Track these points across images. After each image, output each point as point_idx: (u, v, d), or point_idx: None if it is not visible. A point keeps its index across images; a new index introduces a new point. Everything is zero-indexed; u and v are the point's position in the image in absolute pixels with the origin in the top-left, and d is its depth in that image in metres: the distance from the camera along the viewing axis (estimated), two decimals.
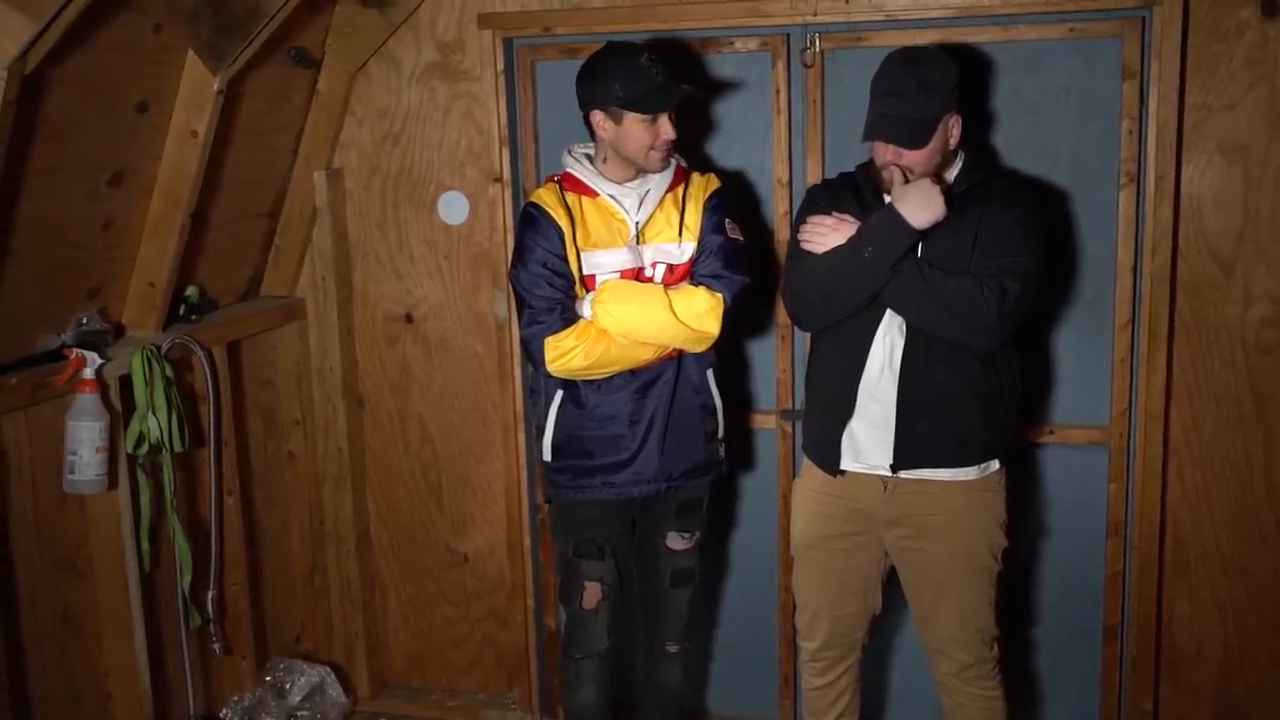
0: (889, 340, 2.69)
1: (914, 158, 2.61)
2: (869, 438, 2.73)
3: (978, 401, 2.68)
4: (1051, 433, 3.24)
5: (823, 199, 2.80)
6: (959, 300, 2.58)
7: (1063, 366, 3.23)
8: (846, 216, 2.68)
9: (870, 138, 2.64)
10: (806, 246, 2.70)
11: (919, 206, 2.56)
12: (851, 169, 2.87)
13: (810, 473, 2.88)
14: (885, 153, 2.63)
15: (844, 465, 2.77)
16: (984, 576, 2.78)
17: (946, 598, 2.78)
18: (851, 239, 2.63)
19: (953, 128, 2.64)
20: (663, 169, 2.85)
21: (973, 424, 2.69)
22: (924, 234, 2.60)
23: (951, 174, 2.71)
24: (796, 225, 2.79)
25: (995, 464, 2.77)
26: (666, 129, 2.77)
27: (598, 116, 2.79)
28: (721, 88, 3.32)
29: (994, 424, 2.72)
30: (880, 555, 2.85)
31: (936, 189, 2.57)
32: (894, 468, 2.71)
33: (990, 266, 2.59)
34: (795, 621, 3.02)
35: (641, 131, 2.76)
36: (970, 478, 2.73)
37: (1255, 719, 3.25)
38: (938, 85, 2.59)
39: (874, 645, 3.05)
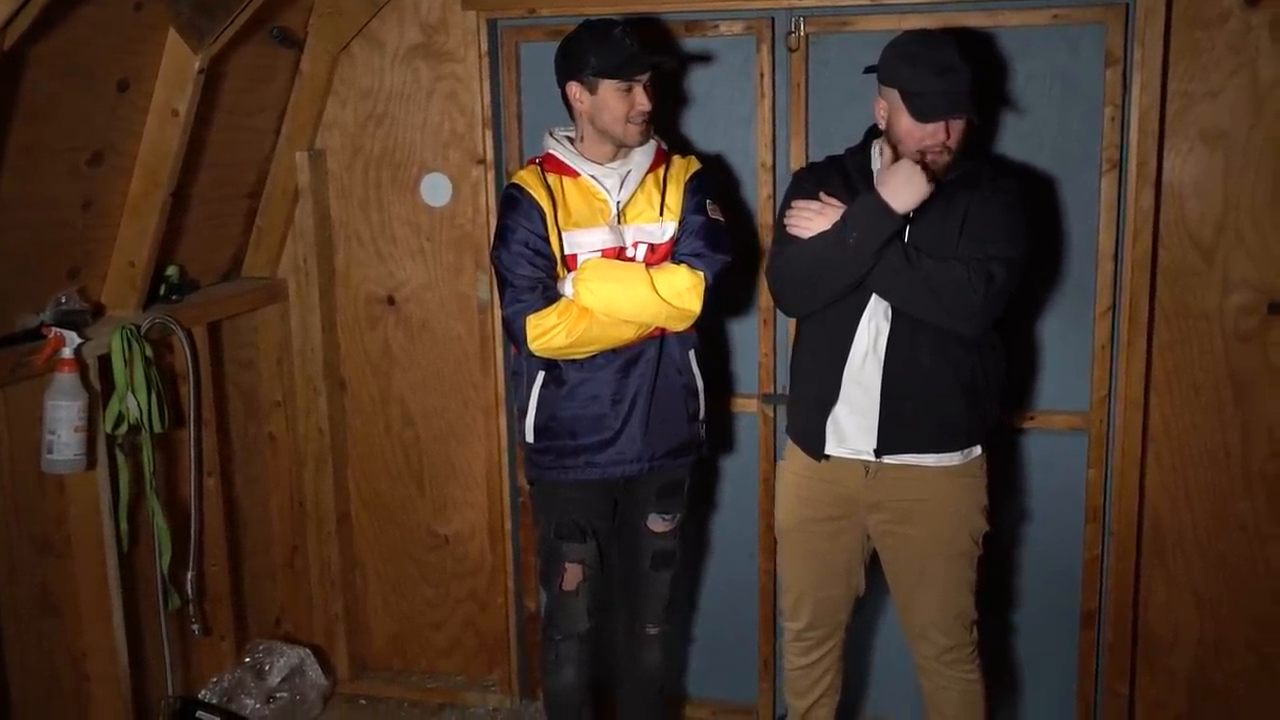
0: (874, 325, 2.69)
1: (959, 132, 2.59)
2: (853, 423, 2.74)
3: (961, 387, 2.69)
4: (1032, 418, 3.26)
5: (809, 183, 2.78)
6: (945, 285, 2.57)
7: (1044, 353, 3.24)
8: (833, 200, 2.67)
9: (945, 114, 2.56)
10: (792, 231, 2.69)
11: (902, 189, 2.54)
12: (839, 152, 2.85)
13: (794, 456, 2.88)
14: (940, 133, 2.58)
15: (828, 450, 2.78)
16: (964, 561, 2.80)
17: (927, 582, 2.79)
18: (836, 224, 2.61)
19: None
20: (640, 143, 2.85)
21: (956, 409, 2.70)
22: (911, 218, 2.60)
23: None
24: (782, 209, 2.78)
25: (978, 449, 2.78)
26: (641, 99, 2.78)
27: (574, 88, 2.80)
28: (705, 71, 3.31)
29: (977, 409, 2.73)
30: (863, 538, 2.86)
31: (918, 170, 2.55)
32: (878, 452, 2.72)
33: (978, 252, 2.59)
34: (780, 603, 3.03)
35: (617, 101, 2.77)
36: (953, 463, 2.74)
37: (1230, 705, 3.28)
38: (968, 61, 2.58)
39: (856, 627, 3.06)
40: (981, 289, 2.56)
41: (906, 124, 2.59)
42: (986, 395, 2.74)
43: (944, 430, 2.72)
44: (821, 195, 2.69)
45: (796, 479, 2.88)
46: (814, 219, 2.66)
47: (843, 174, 2.77)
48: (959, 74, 2.56)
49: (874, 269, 2.58)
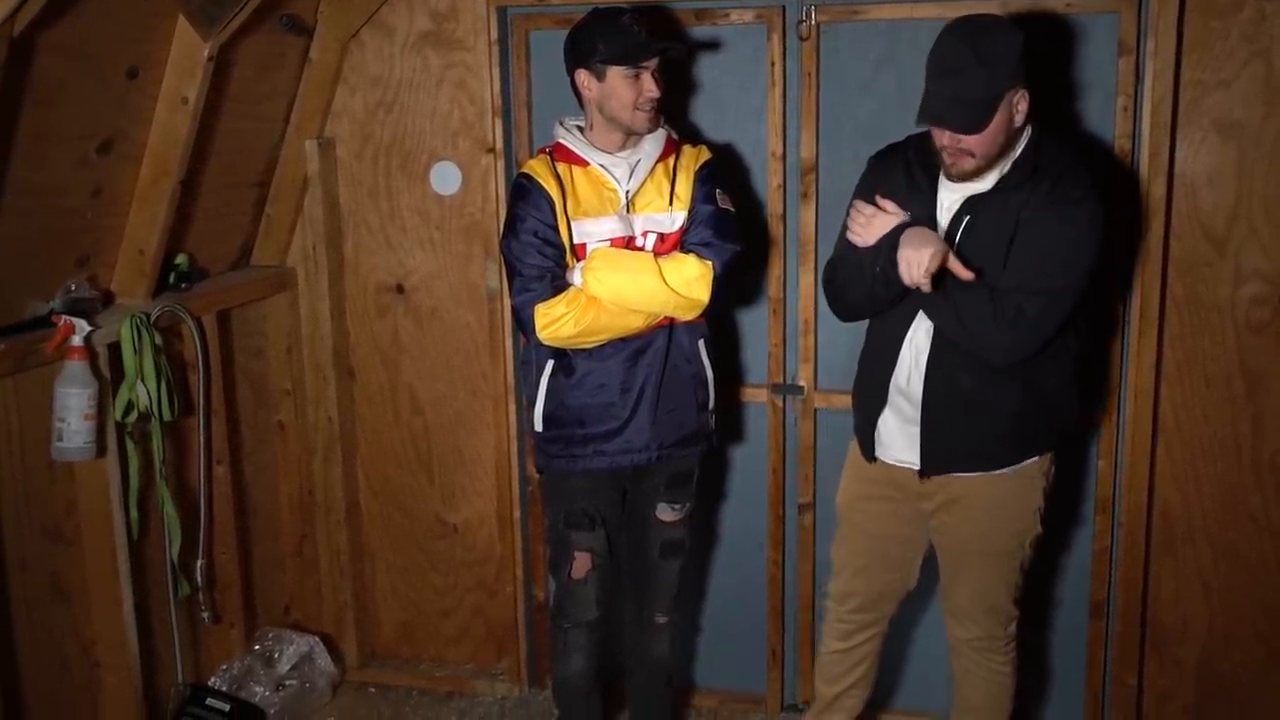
0: (916, 342, 2.63)
1: (973, 141, 2.42)
2: (899, 434, 2.72)
3: (1007, 410, 2.61)
4: None
5: (869, 178, 2.71)
6: (972, 318, 2.48)
7: None
8: (888, 204, 2.55)
9: (924, 122, 2.44)
10: (849, 238, 2.60)
11: (911, 260, 2.44)
12: (896, 139, 2.75)
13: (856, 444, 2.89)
14: (942, 136, 2.46)
15: (877, 453, 2.77)
16: (1004, 561, 2.75)
17: (964, 573, 2.78)
18: (872, 247, 2.51)
19: (1018, 103, 2.43)
20: (649, 130, 2.85)
21: (1001, 430, 2.63)
22: (958, 227, 2.52)
23: (1010, 159, 2.52)
24: (850, 205, 2.67)
25: (1034, 457, 2.70)
26: (649, 85, 2.77)
27: (582, 76, 2.80)
28: (715, 60, 3.30)
29: (1029, 429, 2.65)
30: (922, 530, 2.82)
31: (932, 245, 2.43)
32: (922, 473, 2.69)
33: (1016, 281, 2.46)
34: (829, 585, 3.00)
35: (625, 88, 2.76)
36: (1003, 470, 2.69)
37: (1239, 696, 3.27)
38: (999, 58, 2.37)
39: (898, 621, 3.05)
40: (1007, 325, 2.45)
41: None
42: (1041, 414, 2.66)
43: (986, 452, 2.65)
44: (877, 199, 2.58)
45: (856, 460, 2.87)
46: (867, 226, 2.56)
47: (905, 164, 2.65)
48: (959, 79, 2.38)
49: (909, 291, 2.50)
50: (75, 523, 2.97)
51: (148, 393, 3.00)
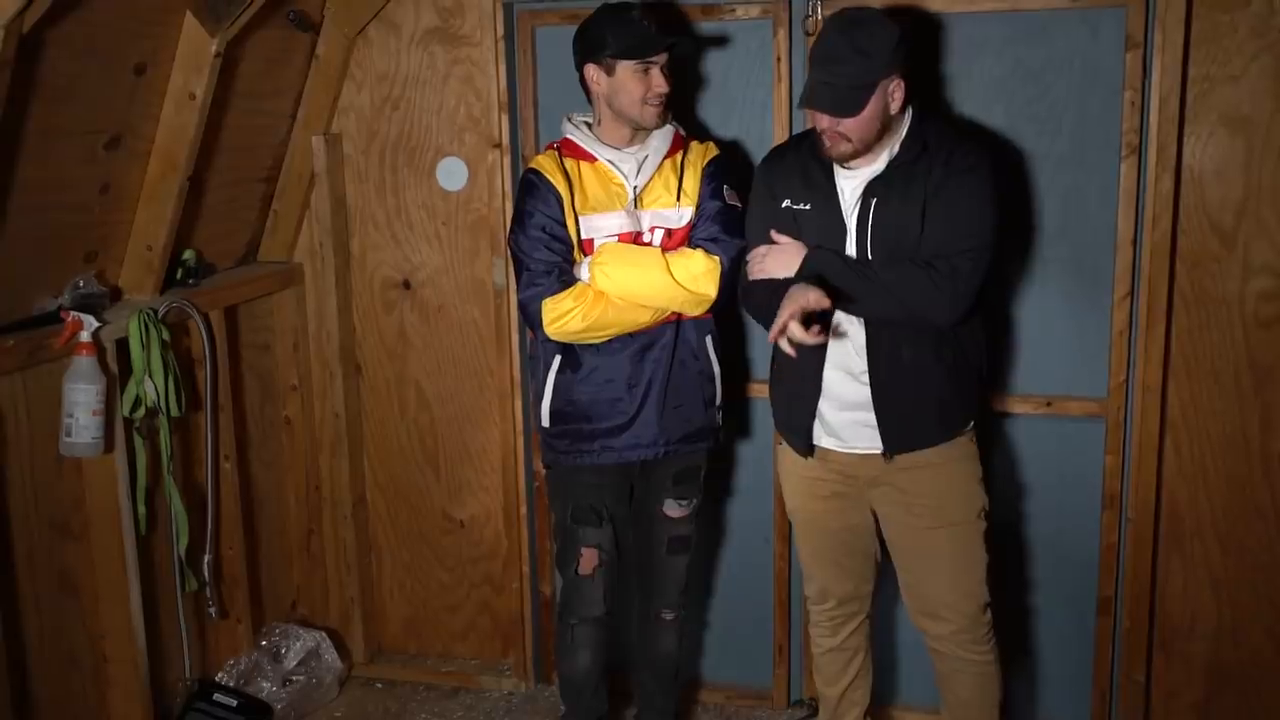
0: (844, 327, 2.68)
1: (850, 125, 2.54)
2: (849, 421, 2.72)
3: (946, 372, 2.68)
4: (1049, 404, 3.24)
5: (762, 184, 2.80)
6: (909, 292, 2.55)
7: (1060, 338, 3.22)
8: (783, 239, 2.67)
9: (804, 105, 2.57)
10: (752, 277, 2.73)
11: (778, 263, 2.61)
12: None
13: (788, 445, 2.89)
14: (821, 120, 2.57)
15: (821, 443, 2.78)
16: (969, 534, 2.77)
17: (933, 556, 2.78)
18: (766, 306, 2.62)
19: (894, 92, 2.56)
20: (658, 125, 2.85)
21: (946, 396, 2.69)
22: (868, 210, 2.60)
23: (897, 139, 2.64)
24: (748, 205, 2.85)
25: (970, 426, 2.78)
26: (658, 80, 2.78)
27: (591, 70, 2.80)
28: (721, 55, 3.30)
29: (965, 390, 2.73)
30: (870, 513, 2.86)
31: (787, 249, 2.62)
32: (886, 453, 2.71)
33: (941, 248, 2.56)
34: (805, 589, 3.03)
35: (634, 83, 2.77)
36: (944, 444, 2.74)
37: (1248, 693, 3.26)
38: (875, 50, 2.51)
39: (878, 616, 3.05)
40: (947, 289, 2.54)
41: None
42: (967, 373, 2.73)
43: (941, 419, 2.71)
44: (772, 232, 2.70)
45: (793, 463, 2.88)
46: (766, 262, 2.69)
47: (798, 161, 2.75)
48: (836, 67, 2.52)
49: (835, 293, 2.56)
50: (83, 518, 2.98)
51: (155, 388, 3.00)
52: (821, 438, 2.78)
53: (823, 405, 2.74)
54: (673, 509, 3.03)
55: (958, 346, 2.69)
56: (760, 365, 3.44)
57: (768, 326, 2.59)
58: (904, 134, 2.65)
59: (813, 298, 2.48)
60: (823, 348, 2.66)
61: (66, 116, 2.61)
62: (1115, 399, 3.18)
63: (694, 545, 3.11)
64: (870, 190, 2.63)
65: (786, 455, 2.90)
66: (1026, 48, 3.09)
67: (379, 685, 3.84)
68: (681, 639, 3.23)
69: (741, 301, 2.86)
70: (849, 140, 2.56)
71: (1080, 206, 3.13)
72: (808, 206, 2.69)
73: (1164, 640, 3.29)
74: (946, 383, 2.69)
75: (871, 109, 2.53)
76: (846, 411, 2.72)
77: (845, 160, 2.62)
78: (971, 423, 2.79)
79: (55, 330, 2.78)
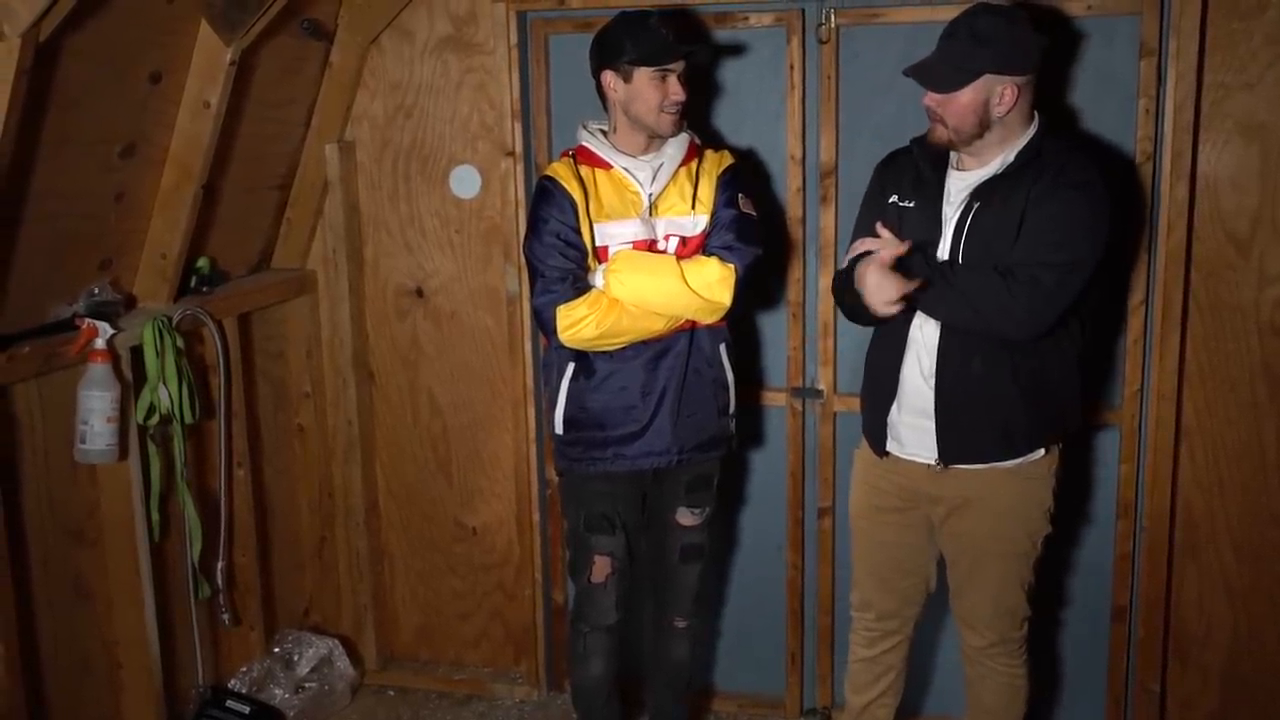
0: (924, 331, 2.64)
1: (949, 110, 2.51)
2: (911, 428, 2.70)
3: (1021, 392, 2.61)
4: None
5: (875, 181, 2.80)
6: (985, 300, 2.50)
7: None
8: (885, 233, 2.57)
9: (906, 72, 2.56)
10: (848, 257, 2.71)
11: (873, 295, 2.52)
12: (894, 146, 2.84)
13: (864, 445, 2.87)
14: (925, 96, 2.56)
15: (889, 448, 2.76)
16: (1019, 560, 2.75)
17: (979, 578, 2.76)
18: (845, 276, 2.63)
19: (1002, 93, 2.49)
20: (674, 133, 2.85)
21: (1016, 415, 2.62)
22: (969, 213, 2.57)
23: (1014, 148, 2.58)
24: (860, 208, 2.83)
25: (1041, 451, 2.70)
26: (675, 88, 2.78)
27: (608, 77, 2.81)
28: (735, 64, 3.30)
29: (1042, 414, 2.65)
30: (931, 535, 2.82)
31: (887, 278, 2.50)
32: (940, 462, 2.68)
33: (1029, 258, 2.50)
34: (851, 595, 2.99)
35: (651, 90, 2.77)
36: (1014, 464, 2.68)
37: (1263, 701, 3.25)
38: (990, 39, 2.46)
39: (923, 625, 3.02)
40: (1024, 300, 2.47)
41: None
42: (1052, 399, 2.66)
43: (1005, 438, 2.65)
44: (878, 226, 2.60)
45: (867, 466, 2.86)
46: (866, 283, 2.61)
47: (912, 162, 2.72)
48: (947, 43, 2.51)
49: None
50: (97, 524, 2.99)
51: (169, 395, 3.01)
52: (890, 441, 2.76)
53: (895, 406, 2.72)
54: (686, 517, 3.03)
55: (1039, 366, 2.61)
56: (773, 373, 3.44)
57: (855, 318, 2.68)
58: (1025, 142, 2.58)
59: (889, 252, 2.51)
60: (900, 355, 2.66)
61: (82, 125, 2.62)
62: (1130, 407, 3.17)
63: (707, 553, 3.10)
64: (976, 194, 2.59)
65: (860, 458, 2.89)
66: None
67: (391, 693, 3.84)
68: (694, 647, 3.22)
69: (835, 298, 2.88)
70: (944, 124, 2.53)
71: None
72: (912, 204, 2.67)
73: (1179, 649, 3.28)
74: (1019, 401, 2.61)
75: (969, 97, 2.49)
76: (910, 415, 2.70)
77: (943, 146, 2.59)
78: (1046, 449, 2.70)
79: (70, 337, 2.79)
